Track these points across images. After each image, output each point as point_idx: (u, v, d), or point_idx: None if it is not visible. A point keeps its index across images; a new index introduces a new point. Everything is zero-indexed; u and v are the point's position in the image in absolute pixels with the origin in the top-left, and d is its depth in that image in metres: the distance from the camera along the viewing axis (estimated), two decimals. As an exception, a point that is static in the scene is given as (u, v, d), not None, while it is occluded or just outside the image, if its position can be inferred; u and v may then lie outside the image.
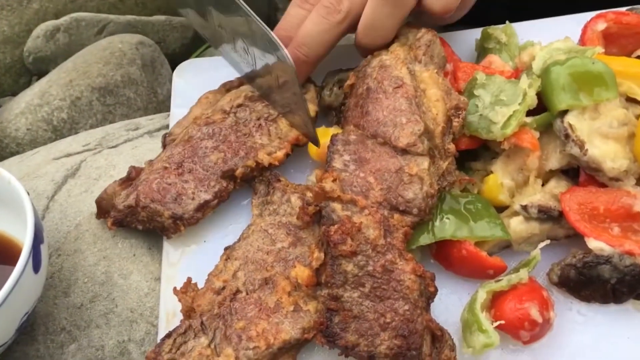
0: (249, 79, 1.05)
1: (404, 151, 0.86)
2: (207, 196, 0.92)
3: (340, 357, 0.81)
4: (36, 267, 0.81)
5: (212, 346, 0.80)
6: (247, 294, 0.84)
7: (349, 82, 0.97)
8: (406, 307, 0.78)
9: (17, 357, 0.90)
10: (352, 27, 0.97)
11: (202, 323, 0.82)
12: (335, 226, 0.80)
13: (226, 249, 0.90)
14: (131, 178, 0.96)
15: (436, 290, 0.81)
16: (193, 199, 0.92)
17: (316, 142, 0.96)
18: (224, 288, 0.85)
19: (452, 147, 0.89)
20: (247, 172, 0.94)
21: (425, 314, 0.79)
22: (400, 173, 0.85)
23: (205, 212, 0.93)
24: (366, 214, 0.82)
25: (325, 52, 0.98)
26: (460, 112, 0.90)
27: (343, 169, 0.86)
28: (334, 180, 0.84)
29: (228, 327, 0.81)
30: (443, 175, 0.88)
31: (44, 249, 0.84)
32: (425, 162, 0.85)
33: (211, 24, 1.06)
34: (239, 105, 1.00)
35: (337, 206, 0.82)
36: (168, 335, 0.82)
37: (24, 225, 0.81)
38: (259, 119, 0.99)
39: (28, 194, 0.85)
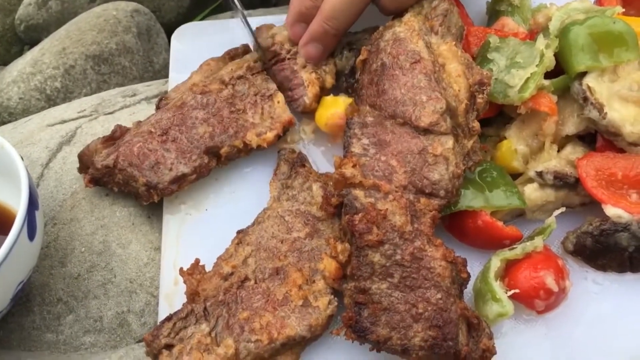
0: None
1: (426, 131, 0.81)
2: (185, 169, 0.88)
3: (343, 355, 0.77)
4: (31, 235, 0.78)
5: (213, 334, 0.76)
6: (255, 282, 0.80)
7: (361, 58, 0.91)
8: (439, 296, 0.73)
9: (12, 329, 0.87)
10: None
11: (205, 309, 0.78)
12: (360, 215, 0.76)
13: (239, 232, 0.85)
14: (115, 137, 0.92)
15: (469, 276, 0.77)
16: (171, 169, 0.88)
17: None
18: (232, 274, 0.81)
19: (476, 125, 0.84)
20: (233, 151, 0.91)
21: (459, 301, 0.75)
22: (423, 154, 0.80)
23: (182, 185, 0.89)
24: (391, 199, 0.77)
25: (352, 24, 0.95)
26: (484, 88, 0.84)
27: (363, 154, 0.81)
28: (354, 166, 0.79)
29: (231, 316, 0.77)
30: (468, 155, 0.84)
31: (39, 216, 0.80)
32: (449, 141, 0.81)
33: None
34: (239, 77, 0.96)
35: (359, 193, 0.78)
36: (168, 318, 0.78)
37: (18, 192, 0.77)
38: (255, 94, 0.95)
39: (22, 159, 0.81)
